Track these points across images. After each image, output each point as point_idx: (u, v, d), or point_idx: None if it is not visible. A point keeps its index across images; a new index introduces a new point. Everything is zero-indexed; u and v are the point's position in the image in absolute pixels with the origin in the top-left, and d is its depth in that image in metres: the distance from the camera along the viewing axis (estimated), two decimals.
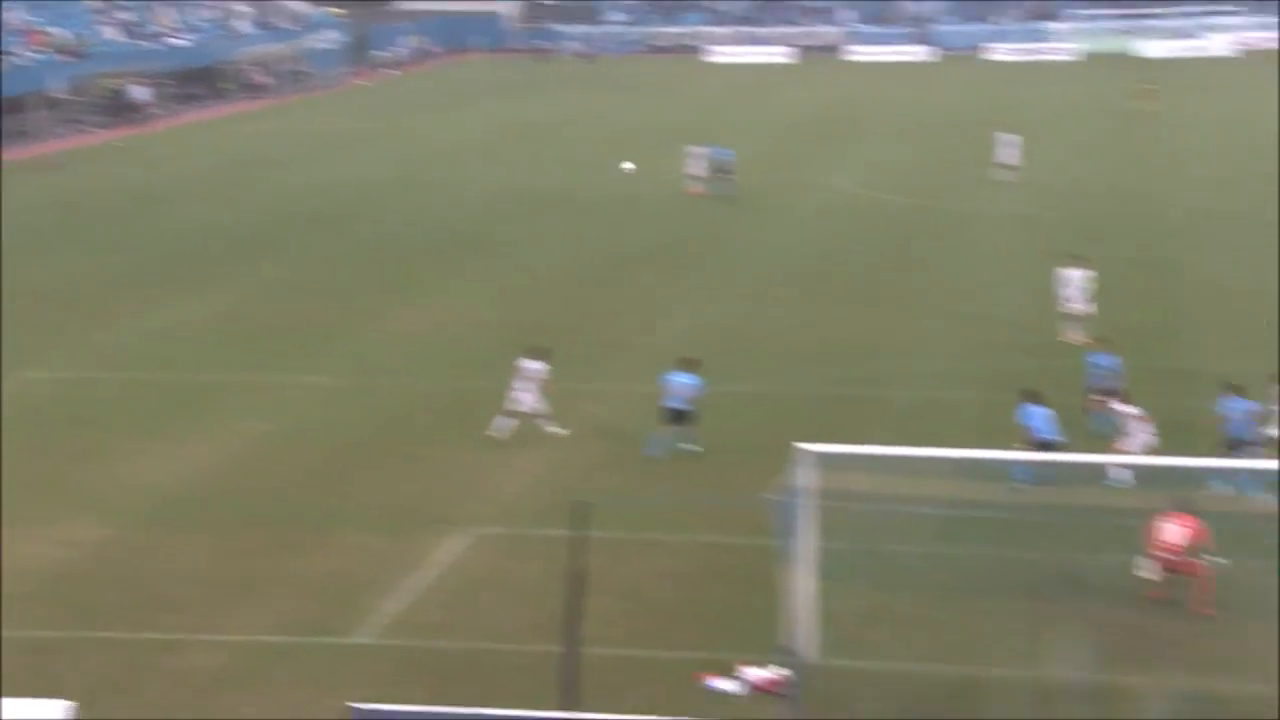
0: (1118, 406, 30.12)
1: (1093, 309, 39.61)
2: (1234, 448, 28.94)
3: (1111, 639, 23.17)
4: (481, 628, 24.21)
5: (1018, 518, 27.48)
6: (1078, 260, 40.03)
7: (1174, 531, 23.70)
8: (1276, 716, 20.15)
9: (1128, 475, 28.18)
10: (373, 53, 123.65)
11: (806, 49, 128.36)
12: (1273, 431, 29.23)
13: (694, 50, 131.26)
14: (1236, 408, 29.49)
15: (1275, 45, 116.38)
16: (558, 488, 29.90)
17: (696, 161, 63.19)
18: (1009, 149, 64.91)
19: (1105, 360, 32.34)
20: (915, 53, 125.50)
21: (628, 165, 66.64)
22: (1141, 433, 29.34)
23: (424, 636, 23.91)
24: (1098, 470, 28.09)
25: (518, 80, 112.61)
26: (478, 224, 58.19)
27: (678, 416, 32.06)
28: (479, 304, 45.49)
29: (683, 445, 31.84)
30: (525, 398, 32.97)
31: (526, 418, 32.91)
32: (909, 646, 22.92)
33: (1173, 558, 23.56)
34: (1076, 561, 26.32)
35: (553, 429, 33.03)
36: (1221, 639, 23.30)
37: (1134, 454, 28.54)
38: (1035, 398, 29.58)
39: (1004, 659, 22.59)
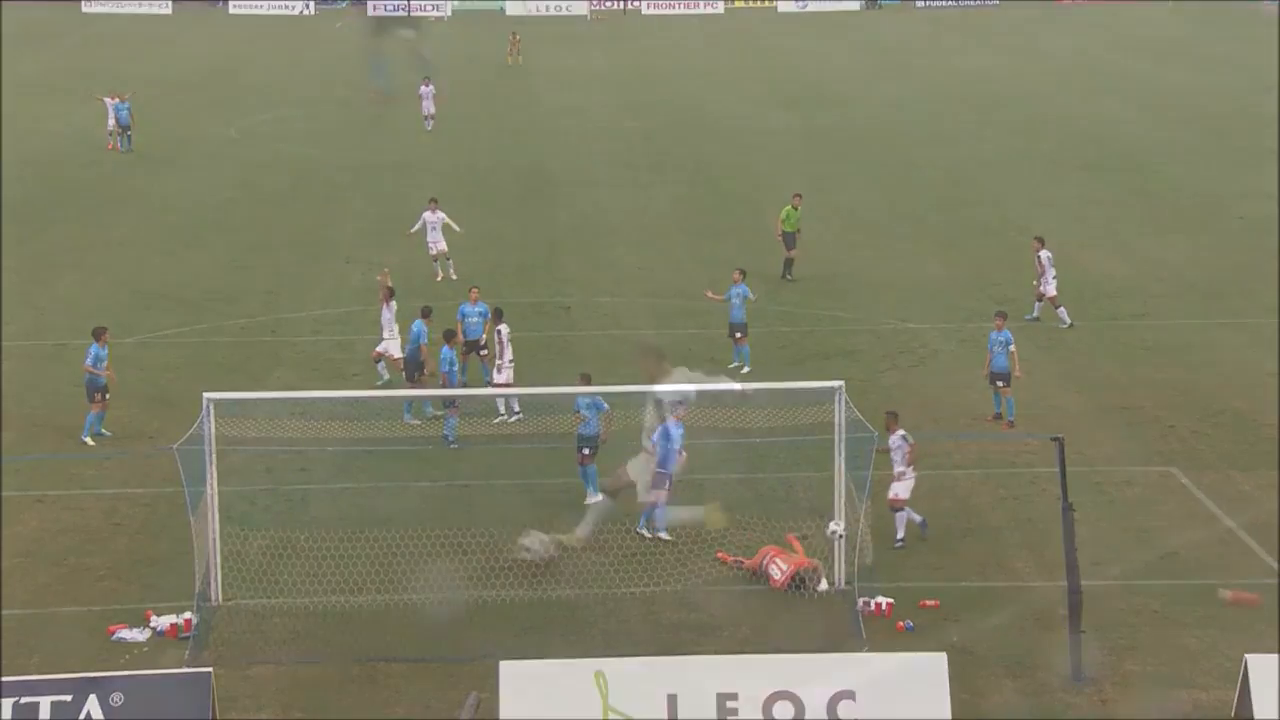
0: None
1: (443, 248, 41.30)
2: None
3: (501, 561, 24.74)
4: None
5: (411, 451, 29.01)
6: (434, 203, 41.93)
7: None
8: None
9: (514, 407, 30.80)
10: None
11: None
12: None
13: None
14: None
15: (623, 6, 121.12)
16: None
17: (110, 115, 61.94)
18: (427, 100, 66.74)
19: (476, 309, 32.87)
20: (294, 6, 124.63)
21: None
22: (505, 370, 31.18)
23: None
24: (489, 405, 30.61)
25: None
26: None
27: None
28: None
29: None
30: None
31: None
32: (313, 581, 23.87)
33: None
34: (470, 490, 27.94)
35: None
36: None
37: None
38: (449, 337, 30.77)
39: (405, 586, 23.81)
